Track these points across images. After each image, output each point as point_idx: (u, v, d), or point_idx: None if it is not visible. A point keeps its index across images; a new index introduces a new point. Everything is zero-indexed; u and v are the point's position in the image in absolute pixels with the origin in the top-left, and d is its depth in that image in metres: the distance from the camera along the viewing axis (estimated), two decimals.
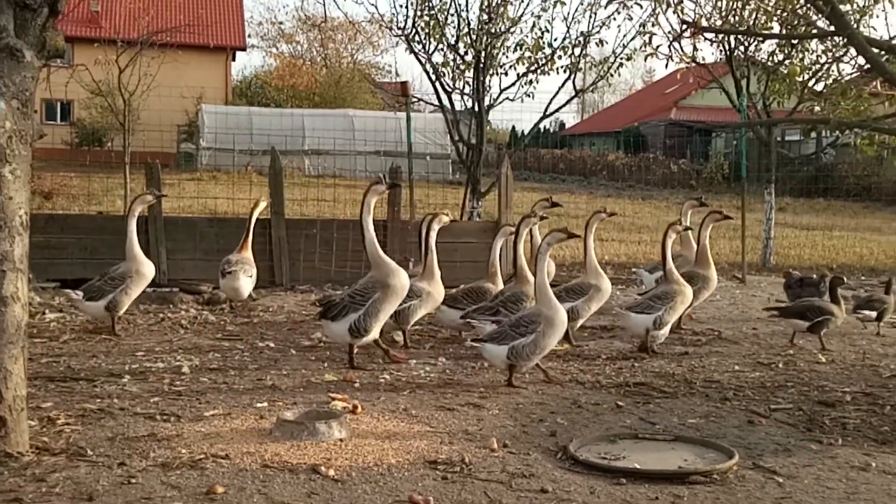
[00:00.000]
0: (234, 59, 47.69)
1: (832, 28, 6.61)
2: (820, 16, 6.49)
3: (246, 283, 10.35)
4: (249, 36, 52.03)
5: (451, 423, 6.15)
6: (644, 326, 8.55)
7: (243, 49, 47.95)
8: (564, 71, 15.05)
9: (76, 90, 22.95)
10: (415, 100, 18.43)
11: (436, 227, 8.55)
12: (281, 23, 59.53)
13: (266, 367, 7.73)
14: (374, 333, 7.71)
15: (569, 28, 14.88)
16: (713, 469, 5.24)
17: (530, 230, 9.21)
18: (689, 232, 10.20)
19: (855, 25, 12.31)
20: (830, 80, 13.18)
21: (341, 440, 5.60)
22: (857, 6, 11.90)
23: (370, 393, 6.94)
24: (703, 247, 9.72)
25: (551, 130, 57.73)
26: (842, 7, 10.49)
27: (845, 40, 6.68)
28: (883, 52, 6.83)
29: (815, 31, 7.13)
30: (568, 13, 14.95)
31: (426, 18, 14.55)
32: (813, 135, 25.95)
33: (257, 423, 6.00)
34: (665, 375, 7.81)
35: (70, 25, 37.13)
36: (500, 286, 9.06)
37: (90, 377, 7.17)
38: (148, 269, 9.10)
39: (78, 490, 4.70)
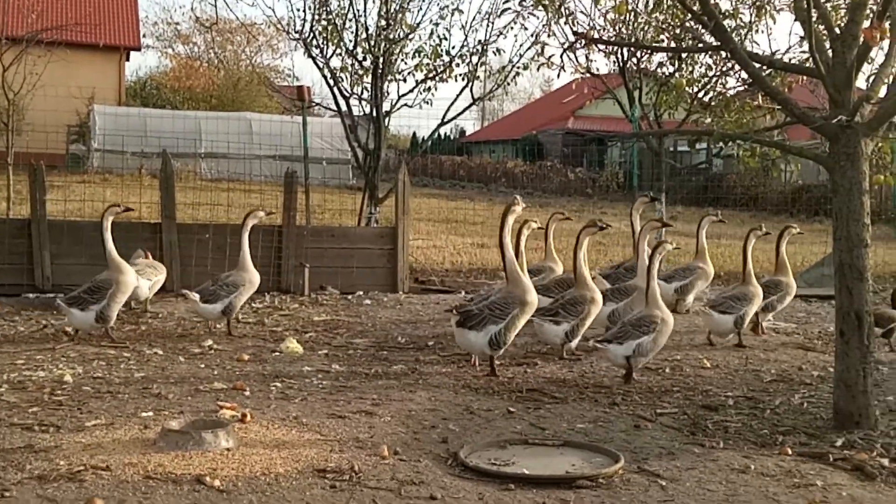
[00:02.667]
0: (128, 59, 46.42)
1: (717, 43, 6.80)
2: (705, 31, 6.68)
3: (141, 283, 10.24)
4: (144, 36, 50.72)
5: (342, 431, 6.10)
6: (727, 325, 9.41)
7: (138, 49, 46.70)
8: (463, 78, 15.13)
9: None
10: (312, 104, 18.27)
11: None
12: (177, 23, 58.10)
13: (153, 376, 7.55)
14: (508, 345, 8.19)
15: (466, 36, 14.97)
16: (599, 473, 5.33)
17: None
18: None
19: (742, 40, 12.74)
20: (715, 93, 13.59)
21: (228, 450, 5.50)
22: (742, 22, 12.30)
23: (261, 401, 6.84)
24: (783, 256, 10.37)
25: (452, 137, 58.00)
26: (727, 22, 10.85)
27: (729, 55, 6.89)
28: (764, 67, 7.08)
29: (701, 45, 7.37)
30: (466, 21, 14.96)
31: (324, 23, 14.44)
32: (703, 146, 26.74)
33: (141, 433, 5.84)
34: (556, 381, 7.91)
35: None
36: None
37: None
38: (256, 279, 9.75)
39: None
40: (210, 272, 11.93)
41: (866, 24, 6.28)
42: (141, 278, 10.23)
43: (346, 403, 6.86)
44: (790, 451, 5.94)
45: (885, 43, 6.52)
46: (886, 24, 6.26)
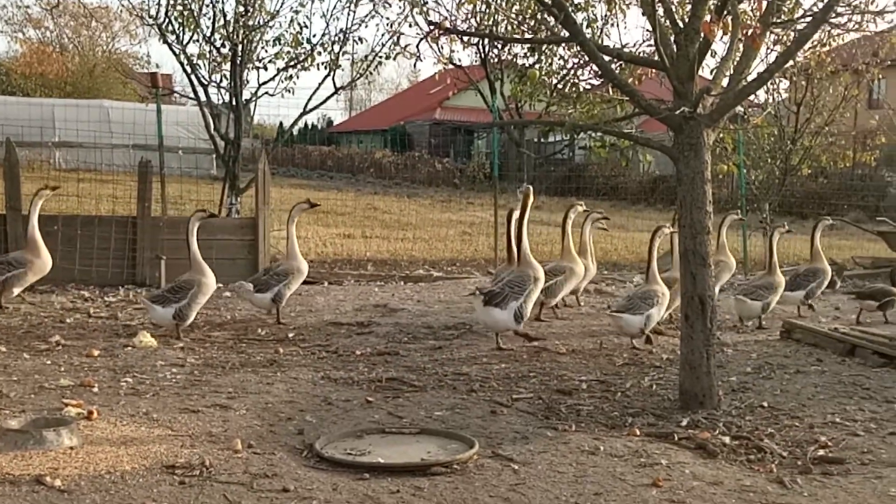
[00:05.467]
0: None
1: (568, 35, 6.92)
2: (557, 22, 6.80)
3: None
4: None
5: (195, 426, 5.96)
6: (756, 310, 10.29)
7: None
8: (325, 67, 14.99)
9: None
10: (167, 92, 17.74)
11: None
12: (27, 6, 55.46)
13: None
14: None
15: (328, 24, 14.86)
16: (454, 459, 5.38)
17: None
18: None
19: (597, 34, 13.05)
20: (571, 85, 13.89)
21: (72, 448, 5.30)
22: (595, 15, 12.60)
23: (109, 397, 6.62)
24: (817, 247, 11.34)
25: (319, 127, 57.46)
26: (579, 15, 11.09)
27: (579, 47, 7.03)
28: (613, 59, 7.26)
29: (552, 37, 7.51)
30: (327, 10, 14.85)
31: (179, 8, 14.03)
32: (560, 136, 27.30)
33: None
34: (416, 370, 7.94)
35: None
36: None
37: None
38: (305, 267, 10.35)
39: None
40: (59, 266, 11.48)
41: (708, 18, 6.52)
42: None
43: (200, 397, 6.71)
44: (638, 432, 6.14)
45: (728, 37, 6.79)
46: (729, 19, 6.51)
